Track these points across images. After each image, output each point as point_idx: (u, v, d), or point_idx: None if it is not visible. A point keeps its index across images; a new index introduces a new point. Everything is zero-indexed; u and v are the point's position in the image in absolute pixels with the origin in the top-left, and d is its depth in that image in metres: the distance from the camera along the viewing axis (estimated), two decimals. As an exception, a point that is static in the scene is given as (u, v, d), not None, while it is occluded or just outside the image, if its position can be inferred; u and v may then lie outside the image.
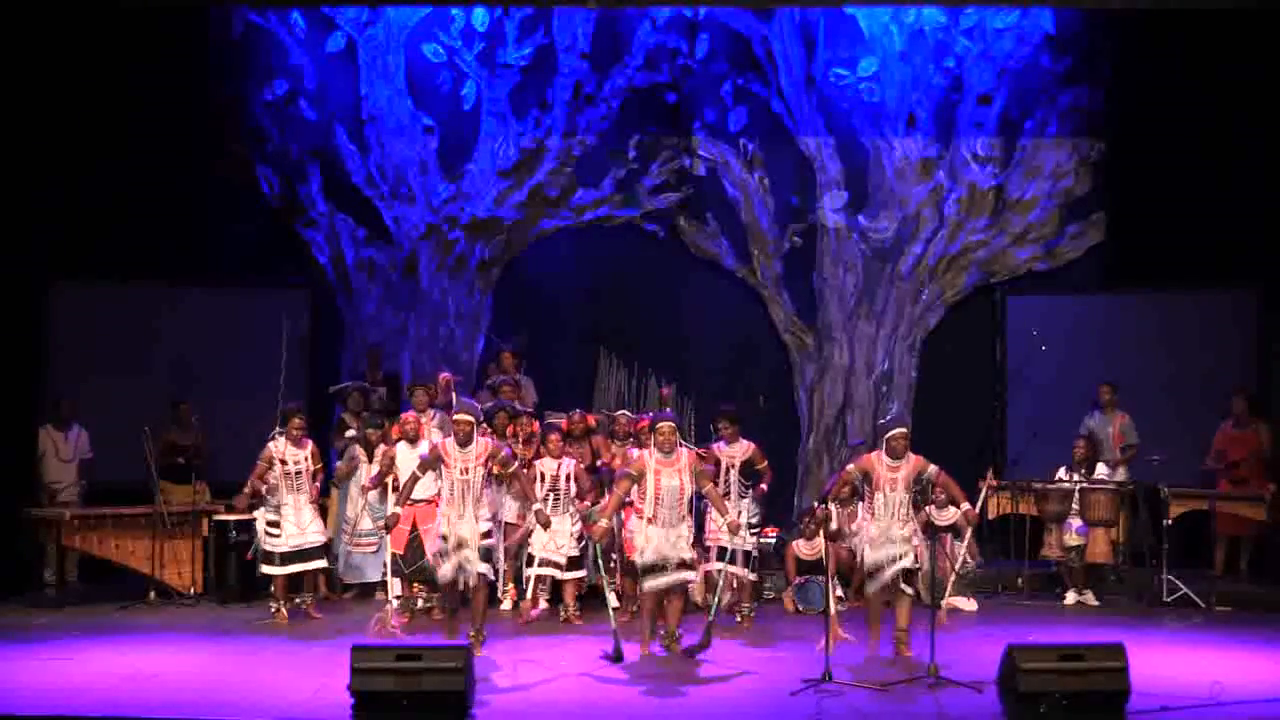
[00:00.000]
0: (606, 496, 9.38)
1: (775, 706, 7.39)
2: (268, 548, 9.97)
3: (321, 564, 10.12)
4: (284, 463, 9.92)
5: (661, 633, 8.73)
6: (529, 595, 10.09)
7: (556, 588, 10.24)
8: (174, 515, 10.70)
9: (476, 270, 13.38)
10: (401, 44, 13.18)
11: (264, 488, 9.97)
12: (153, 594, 10.61)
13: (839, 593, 10.43)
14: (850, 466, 8.87)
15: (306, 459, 10.00)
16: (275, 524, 9.95)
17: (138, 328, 12.28)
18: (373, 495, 10.43)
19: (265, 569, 10.05)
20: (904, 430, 8.71)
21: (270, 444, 9.99)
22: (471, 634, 8.71)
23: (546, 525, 9.44)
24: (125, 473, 11.06)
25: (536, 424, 10.85)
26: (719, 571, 9.63)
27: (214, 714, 7.09)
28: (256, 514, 10.77)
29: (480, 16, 13.09)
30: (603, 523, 8.76)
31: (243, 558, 10.67)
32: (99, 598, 10.57)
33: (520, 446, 10.38)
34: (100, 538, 10.56)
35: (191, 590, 10.71)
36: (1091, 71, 12.96)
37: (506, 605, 10.39)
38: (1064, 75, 13.01)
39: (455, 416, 9.00)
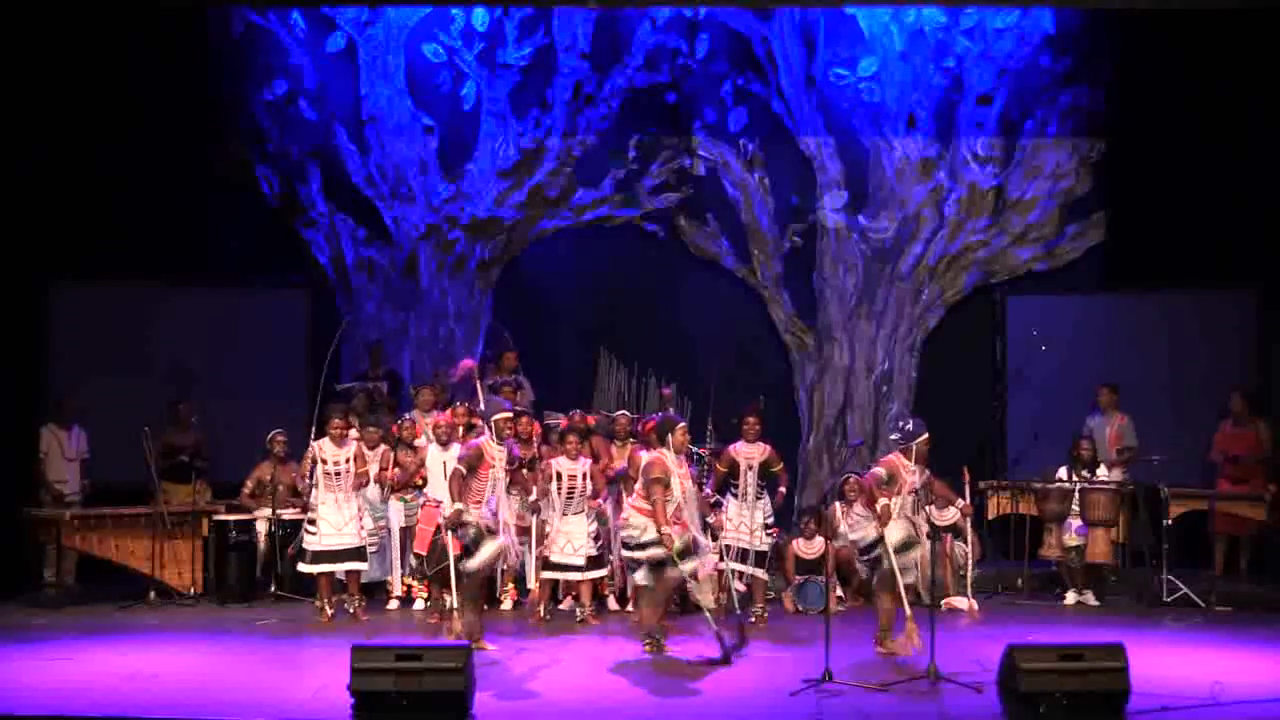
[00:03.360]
0: (628, 502, 9.15)
1: (775, 706, 7.39)
2: (305, 546, 10.01)
3: (355, 565, 10.10)
4: (324, 462, 9.96)
5: (645, 637, 8.73)
6: (534, 592, 10.08)
7: (556, 587, 10.23)
8: (174, 515, 10.70)
9: (476, 270, 13.38)
10: (401, 44, 13.17)
11: (304, 485, 10.04)
12: (153, 594, 10.62)
13: (839, 593, 10.45)
14: (879, 469, 8.71)
15: (348, 459, 10.04)
16: (314, 523, 9.98)
17: (138, 328, 12.28)
18: (374, 495, 10.43)
19: (301, 567, 10.10)
20: (928, 435, 8.75)
21: (313, 444, 10.07)
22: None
23: (536, 512, 9.58)
24: (125, 473, 11.05)
25: (537, 424, 10.85)
26: (733, 572, 9.66)
27: (214, 714, 7.09)
28: (257, 513, 10.83)
29: (480, 16, 13.08)
30: (666, 530, 8.50)
31: (244, 557, 10.70)
32: (99, 598, 10.57)
33: (521, 446, 10.37)
34: (100, 538, 10.56)
35: (191, 590, 10.72)
36: (1091, 71, 12.95)
37: (507, 605, 10.39)
38: (1064, 75, 13.01)
39: (498, 416, 8.98)
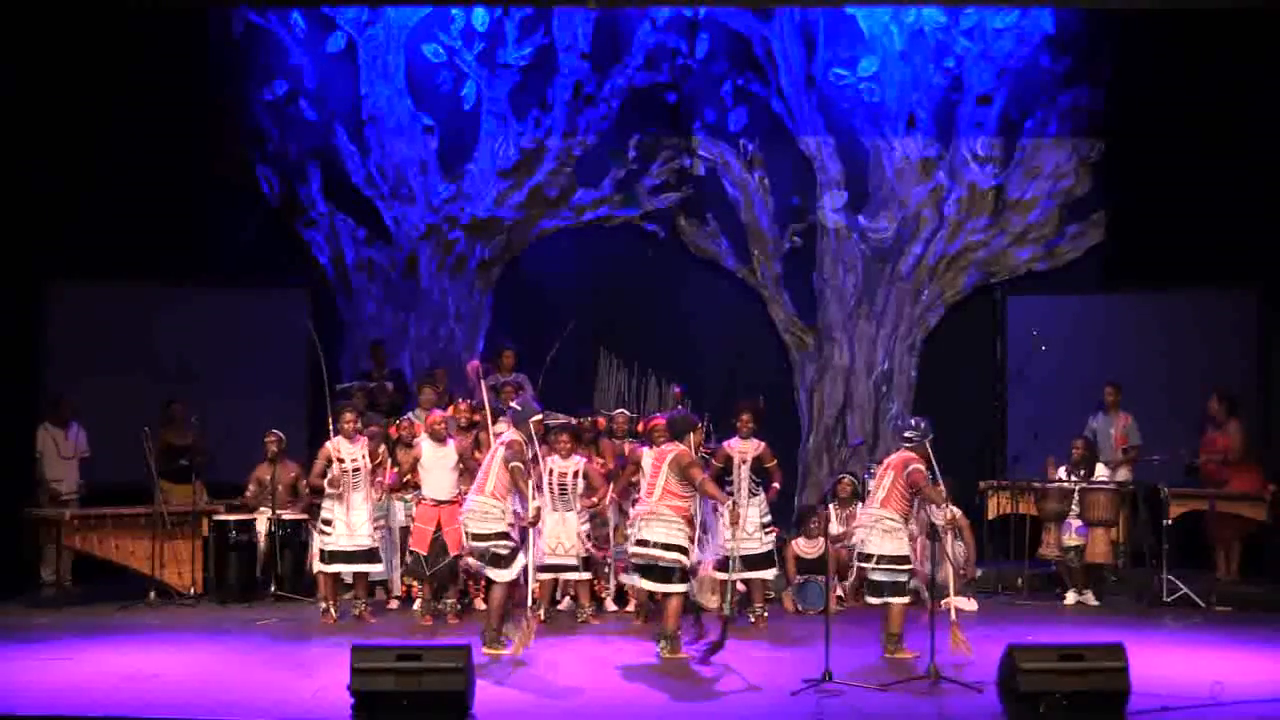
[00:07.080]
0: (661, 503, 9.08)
1: (775, 706, 7.39)
2: (322, 546, 9.94)
3: (370, 567, 10.03)
4: (340, 460, 9.88)
5: (660, 640, 8.69)
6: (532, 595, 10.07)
7: (554, 587, 10.21)
8: (174, 515, 10.69)
9: (476, 270, 13.38)
10: (401, 44, 13.18)
11: (317, 484, 9.99)
12: (153, 594, 10.61)
13: (839, 593, 10.44)
14: (919, 466, 8.57)
15: (362, 456, 9.97)
16: (329, 522, 9.91)
17: (138, 328, 12.27)
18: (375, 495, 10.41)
19: (318, 567, 10.01)
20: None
21: (327, 444, 10.00)
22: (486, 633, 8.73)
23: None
24: (125, 473, 11.05)
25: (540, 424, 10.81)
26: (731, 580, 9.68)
27: (214, 714, 7.09)
28: (257, 513, 10.83)
29: (480, 16, 13.08)
30: (731, 503, 8.72)
31: (244, 557, 10.70)
32: (99, 598, 10.56)
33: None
34: (100, 538, 10.56)
35: (191, 590, 10.71)
36: (1091, 71, 12.95)
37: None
38: (1064, 75, 13.01)
39: (536, 418, 9.01)
